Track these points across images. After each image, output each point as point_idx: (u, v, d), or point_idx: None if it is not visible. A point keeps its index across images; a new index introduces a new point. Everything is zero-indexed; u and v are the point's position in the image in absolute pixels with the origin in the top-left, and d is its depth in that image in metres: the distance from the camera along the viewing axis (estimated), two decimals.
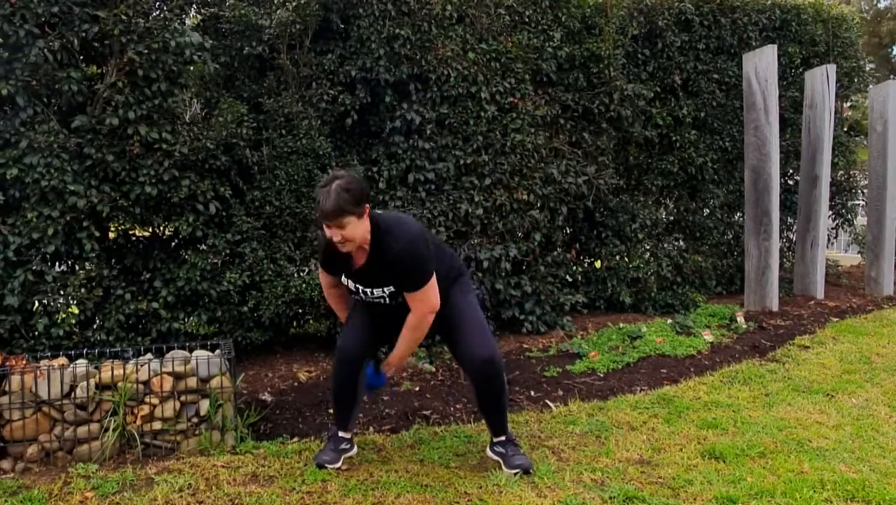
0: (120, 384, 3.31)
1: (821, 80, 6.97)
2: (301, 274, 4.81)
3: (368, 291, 3.04)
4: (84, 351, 3.75)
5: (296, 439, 3.56)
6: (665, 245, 6.91)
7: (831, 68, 7.03)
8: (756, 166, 6.45)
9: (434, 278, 2.98)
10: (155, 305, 4.36)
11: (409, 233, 2.93)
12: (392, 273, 2.95)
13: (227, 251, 4.64)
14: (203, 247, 4.63)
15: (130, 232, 4.64)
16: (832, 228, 8.36)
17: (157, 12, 4.56)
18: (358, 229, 2.87)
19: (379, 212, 3.07)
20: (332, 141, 5.04)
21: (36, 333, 4.08)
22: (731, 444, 3.42)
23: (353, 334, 3.18)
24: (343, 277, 3.11)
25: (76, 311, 4.27)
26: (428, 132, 5.24)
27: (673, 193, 7.04)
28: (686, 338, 5.39)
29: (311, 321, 5.35)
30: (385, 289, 3.01)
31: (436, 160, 5.30)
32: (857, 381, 4.49)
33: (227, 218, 4.68)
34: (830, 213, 7.96)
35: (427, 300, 2.98)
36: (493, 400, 3.14)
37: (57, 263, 4.34)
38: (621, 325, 5.80)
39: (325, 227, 2.87)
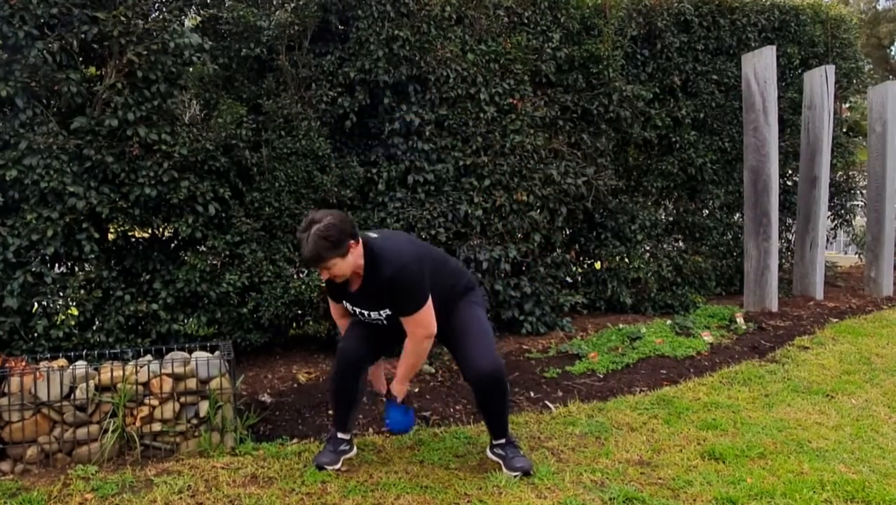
0: (119, 386, 3.31)
1: (819, 81, 6.98)
2: (300, 275, 4.81)
3: (366, 313, 3.08)
4: (83, 352, 3.74)
5: (295, 441, 3.56)
6: (664, 246, 6.91)
7: (830, 69, 7.04)
8: (755, 167, 6.45)
9: (430, 302, 2.97)
10: (154, 306, 4.36)
11: (401, 257, 2.93)
12: (386, 297, 2.97)
13: (227, 252, 4.64)
14: (202, 248, 4.63)
15: (130, 233, 4.64)
16: (831, 229, 8.36)
17: (157, 13, 4.56)
18: (345, 265, 2.91)
19: (373, 235, 3.06)
20: (331, 142, 5.04)
21: (35, 335, 4.08)
22: (731, 444, 3.42)
23: (354, 337, 3.19)
24: (343, 301, 3.15)
25: (75, 312, 4.27)
26: (427, 133, 5.24)
27: (672, 194, 7.04)
28: (686, 339, 5.39)
29: (310, 322, 5.35)
30: (382, 312, 3.04)
31: (435, 161, 5.30)
32: (857, 381, 4.49)
33: (227, 219, 4.68)
34: (829, 213, 7.96)
35: (422, 323, 2.98)
36: (495, 408, 3.14)
37: (56, 265, 4.34)
38: (621, 326, 5.80)
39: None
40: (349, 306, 3.13)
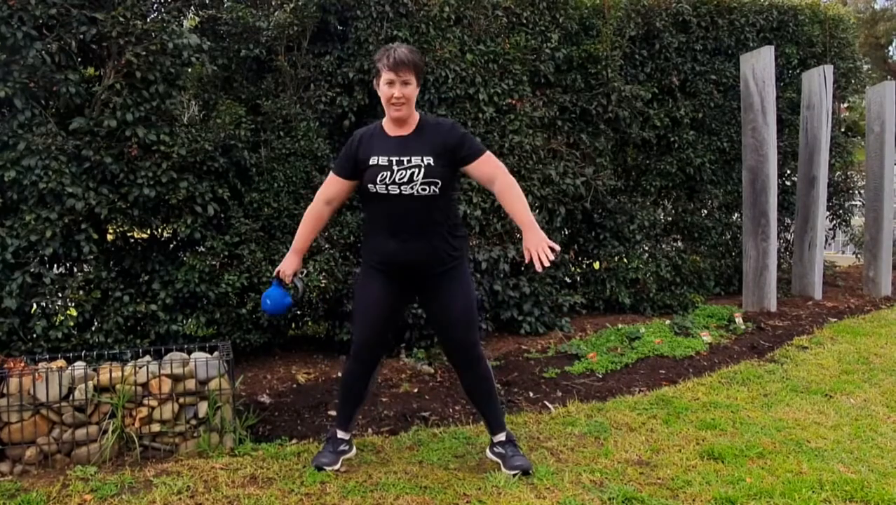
0: (118, 386, 3.31)
1: (818, 81, 6.98)
2: (299, 276, 4.81)
3: (405, 159, 2.93)
4: (82, 353, 3.74)
5: (294, 441, 3.56)
6: (663, 246, 6.92)
7: (828, 69, 7.04)
8: (754, 167, 6.46)
9: None
10: (153, 307, 4.36)
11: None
12: (439, 141, 2.97)
13: (226, 253, 4.64)
14: (201, 249, 4.63)
15: (129, 234, 4.64)
16: (829, 229, 8.37)
17: (155, 14, 4.56)
18: (414, 95, 2.97)
19: None
20: (330, 142, 5.05)
21: (34, 336, 4.07)
22: (730, 444, 3.43)
23: (372, 326, 3.11)
24: (371, 159, 2.97)
25: (74, 313, 4.27)
26: None
27: (671, 194, 7.04)
28: (684, 339, 5.39)
29: (309, 323, 5.35)
30: (424, 158, 2.93)
31: None
32: (856, 381, 4.49)
33: (226, 220, 4.68)
34: (828, 213, 7.97)
35: (496, 160, 3.03)
36: (482, 385, 3.18)
37: (55, 266, 4.34)
38: (620, 326, 5.81)
39: (386, 82, 2.92)
40: (383, 160, 2.95)
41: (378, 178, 2.95)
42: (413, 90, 2.97)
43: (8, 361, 3.42)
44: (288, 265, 3.23)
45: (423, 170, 2.93)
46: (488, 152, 3.04)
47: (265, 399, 4.18)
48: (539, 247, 2.82)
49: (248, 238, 4.66)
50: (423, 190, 2.94)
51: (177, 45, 4.27)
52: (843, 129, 8.40)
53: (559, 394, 4.29)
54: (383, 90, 2.97)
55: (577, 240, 6.46)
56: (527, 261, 2.87)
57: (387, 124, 3.07)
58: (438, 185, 2.95)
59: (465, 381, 3.22)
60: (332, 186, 3.15)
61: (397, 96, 2.94)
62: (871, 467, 3.20)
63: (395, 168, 2.94)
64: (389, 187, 2.95)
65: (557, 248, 2.85)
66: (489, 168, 3.01)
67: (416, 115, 3.07)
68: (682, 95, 6.88)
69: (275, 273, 3.26)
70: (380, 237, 3.06)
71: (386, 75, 2.93)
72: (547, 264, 2.78)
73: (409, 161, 2.95)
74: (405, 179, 2.93)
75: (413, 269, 3.06)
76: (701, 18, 6.95)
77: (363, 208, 3.19)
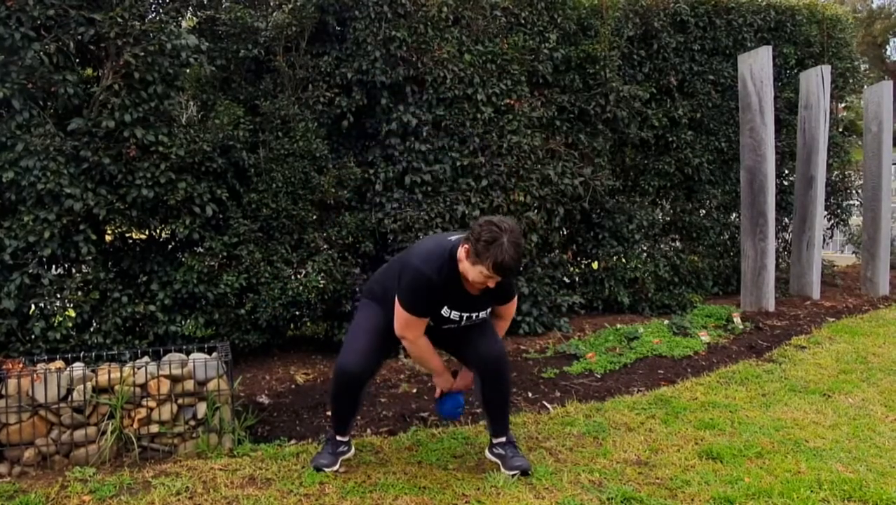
0: (117, 387, 3.30)
1: (816, 81, 6.99)
2: (298, 276, 4.81)
3: (474, 315, 3.08)
4: (81, 354, 3.74)
5: (293, 442, 3.56)
6: (662, 246, 6.92)
7: (826, 69, 7.05)
8: (752, 167, 6.46)
9: None
10: (152, 307, 4.36)
11: None
12: (496, 295, 3.07)
13: (224, 254, 4.64)
14: (200, 249, 4.63)
15: (127, 235, 4.64)
16: (827, 229, 8.38)
17: (153, 15, 4.56)
18: None
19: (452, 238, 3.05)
20: (328, 143, 5.05)
21: (33, 337, 4.07)
22: (729, 444, 3.43)
23: (360, 352, 3.09)
24: (444, 309, 3.01)
25: (73, 314, 4.27)
26: (424, 134, 5.24)
27: (669, 194, 7.05)
28: (683, 338, 5.39)
29: (308, 324, 5.35)
30: (483, 312, 3.10)
31: (432, 162, 5.30)
32: (854, 381, 4.50)
33: (224, 220, 4.68)
34: (826, 213, 7.98)
35: (513, 307, 3.28)
36: (501, 394, 3.16)
37: (53, 267, 4.33)
38: (618, 326, 5.81)
39: (480, 273, 2.80)
40: (454, 314, 3.02)
41: (443, 326, 3.10)
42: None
43: (6, 362, 3.42)
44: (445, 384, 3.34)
45: (479, 317, 3.11)
46: (514, 299, 3.25)
47: (264, 400, 4.18)
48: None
49: (247, 239, 4.66)
50: (472, 321, 3.12)
51: (175, 45, 4.27)
52: (840, 129, 8.41)
53: (558, 394, 4.29)
54: (475, 274, 2.83)
55: (575, 240, 6.46)
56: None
57: (465, 280, 2.95)
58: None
59: (487, 389, 3.15)
60: (420, 325, 3.06)
61: (490, 285, 2.90)
62: (869, 467, 3.20)
63: (464, 322, 3.09)
64: (458, 322, 3.09)
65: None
66: (508, 310, 3.28)
67: None
68: (680, 95, 6.89)
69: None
70: None
71: (485, 270, 2.80)
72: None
73: (476, 316, 3.09)
74: (463, 322, 3.09)
75: None
76: (699, 18, 6.96)
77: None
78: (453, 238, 2.98)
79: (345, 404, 3.17)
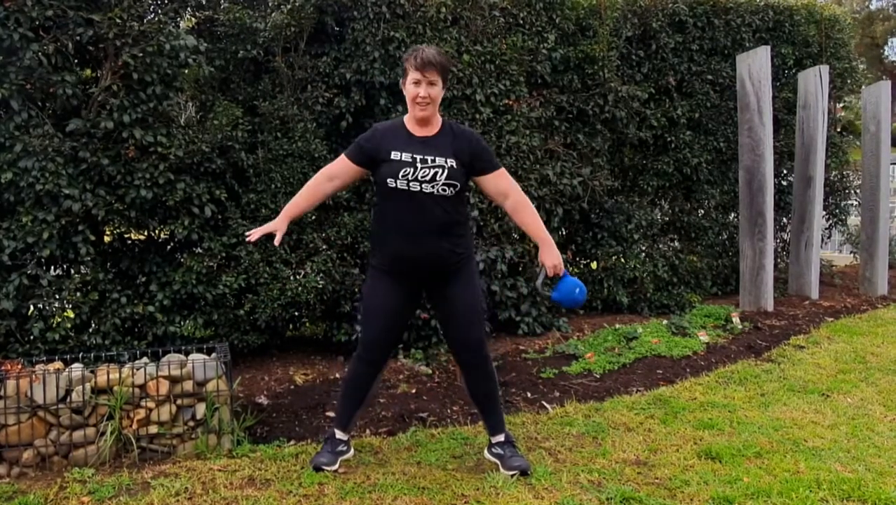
0: (116, 388, 3.30)
1: (814, 81, 7.00)
2: (297, 277, 4.81)
3: (429, 158, 2.98)
4: (80, 355, 3.73)
5: (292, 442, 3.55)
6: (661, 246, 6.93)
7: (824, 69, 7.06)
8: (750, 167, 6.47)
9: None
10: (151, 308, 4.36)
11: None
12: (463, 147, 3.03)
13: (223, 254, 4.64)
14: (199, 250, 4.63)
15: (126, 235, 4.63)
16: (826, 228, 8.39)
17: (152, 15, 4.56)
18: (439, 96, 3.03)
19: None
20: (327, 143, 5.04)
21: (31, 338, 4.07)
22: (728, 444, 3.43)
23: (377, 330, 3.12)
24: (393, 153, 2.99)
25: (71, 315, 4.26)
26: None
27: (668, 194, 7.06)
28: (682, 338, 5.40)
29: (307, 324, 5.35)
30: (448, 160, 2.99)
31: None
32: (853, 380, 4.51)
33: (223, 221, 4.68)
34: (824, 213, 7.99)
35: (510, 177, 3.14)
36: (487, 387, 3.18)
37: (52, 267, 4.33)
38: (617, 326, 5.81)
39: (412, 82, 2.97)
40: (406, 156, 2.98)
41: (400, 174, 2.98)
42: (439, 91, 3.03)
43: (5, 363, 3.42)
44: (275, 225, 3.16)
45: (446, 171, 2.99)
46: (504, 169, 3.15)
47: (263, 400, 4.17)
48: (554, 263, 3.12)
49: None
50: (444, 190, 3.00)
51: (174, 46, 4.27)
52: (839, 129, 8.42)
53: (557, 394, 4.29)
54: (409, 89, 3.02)
55: (574, 240, 6.46)
56: (548, 271, 3.12)
57: (409, 123, 3.10)
58: (457, 188, 3.03)
59: (469, 380, 3.22)
60: (339, 166, 3.14)
61: (423, 96, 2.99)
62: (868, 466, 3.20)
63: (419, 165, 2.98)
64: (411, 184, 2.98)
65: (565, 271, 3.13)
66: (505, 182, 3.13)
67: (440, 118, 3.12)
68: (678, 96, 6.90)
69: (253, 234, 3.12)
70: (392, 235, 3.09)
71: (412, 75, 2.99)
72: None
73: (433, 160, 3.00)
74: (427, 178, 2.98)
75: (422, 268, 3.08)
76: (697, 19, 6.97)
77: (377, 205, 3.20)
78: None
79: (358, 391, 3.22)
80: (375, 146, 3.07)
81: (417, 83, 2.98)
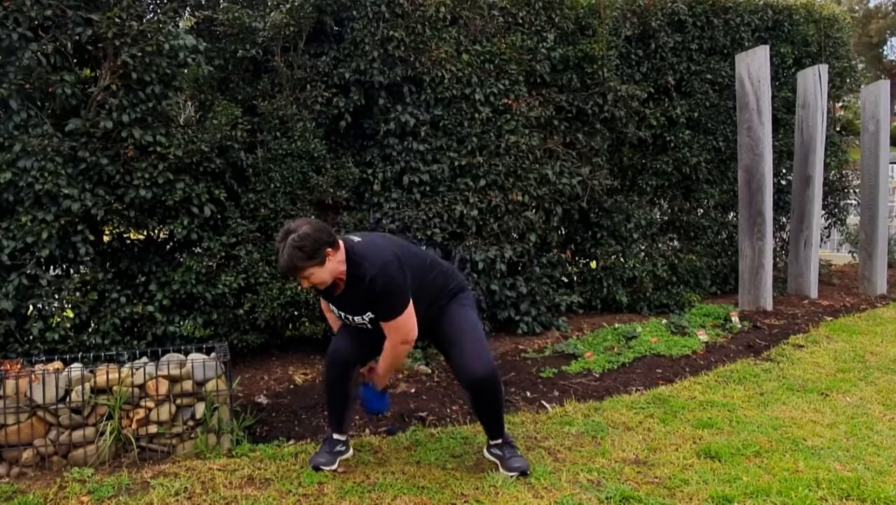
0: (115, 388, 3.30)
1: (813, 81, 7.00)
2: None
3: (350, 317, 3.10)
4: (79, 355, 3.73)
5: (292, 442, 3.56)
6: (660, 245, 6.93)
7: (823, 68, 7.06)
8: (749, 166, 6.47)
9: (410, 308, 2.95)
10: (150, 308, 4.35)
11: (383, 257, 2.92)
12: (368, 301, 2.97)
13: (223, 254, 4.64)
14: (198, 250, 4.63)
15: (125, 235, 4.63)
16: (825, 228, 8.39)
17: (151, 15, 4.56)
18: (324, 273, 2.91)
19: (356, 238, 3.05)
20: (326, 143, 5.04)
21: (31, 337, 4.07)
22: (727, 443, 3.44)
23: (342, 339, 3.23)
24: (330, 303, 3.16)
25: (71, 314, 4.26)
26: (422, 134, 5.24)
27: (667, 193, 7.06)
28: (681, 338, 5.40)
29: (306, 324, 5.35)
30: (364, 316, 3.04)
31: (430, 162, 5.30)
32: (852, 379, 4.51)
33: (222, 220, 4.67)
34: (823, 212, 7.99)
35: (400, 329, 2.97)
36: (489, 409, 3.15)
37: (51, 267, 4.33)
38: (616, 325, 5.82)
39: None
40: (335, 310, 3.15)
41: (339, 316, 3.17)
42: (319, 274, 2.90)
43: (4, 363, 3.42)
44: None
45: (368, 321, 3.05)
46: (395, 322, 2.96)
47: (262, 400, 4.18)
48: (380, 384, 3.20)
49: (245, 239, 4.66)
50: (378, 324, 3.04)
51: (173, 46, 4.27)
52: (838, 128, 8.43)
53: (556, 393, 4.29)
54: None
55: (573, 239, 6.46)
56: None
57: None
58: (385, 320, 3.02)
59: (475, 403, 3.15)
60: (327, 305, 3.32)
61: (307, 287, 3.08)
62: (867, 465, 3.21)
63: (346, 320, 3.14)
64: (349, 322, 3.15)
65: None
66: (387, 331, 3.02)
67: (343, 268, 2.97)
68: (677, 95, 6.90)
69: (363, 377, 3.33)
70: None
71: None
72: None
73: (352, 319, 3.09)
74: (358, 324, 3.10)
75: None
76: (696, 18, 6.97)
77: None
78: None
79: (333, 394, 3.25)
80: (323, 294, 3.19)
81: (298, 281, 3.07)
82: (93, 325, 4.31)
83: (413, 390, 4.36)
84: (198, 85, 4.95)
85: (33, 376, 3.25)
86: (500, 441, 3.20)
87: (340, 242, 2.96)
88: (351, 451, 3.32)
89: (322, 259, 2.87)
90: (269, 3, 5.25)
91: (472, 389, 3.06)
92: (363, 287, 2.92)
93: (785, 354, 5.11)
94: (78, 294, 4.21)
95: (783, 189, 7.72)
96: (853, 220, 8.99)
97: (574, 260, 6.56)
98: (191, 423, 3.40)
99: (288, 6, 4.93)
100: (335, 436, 3.25)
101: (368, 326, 3.07)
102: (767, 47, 6.50)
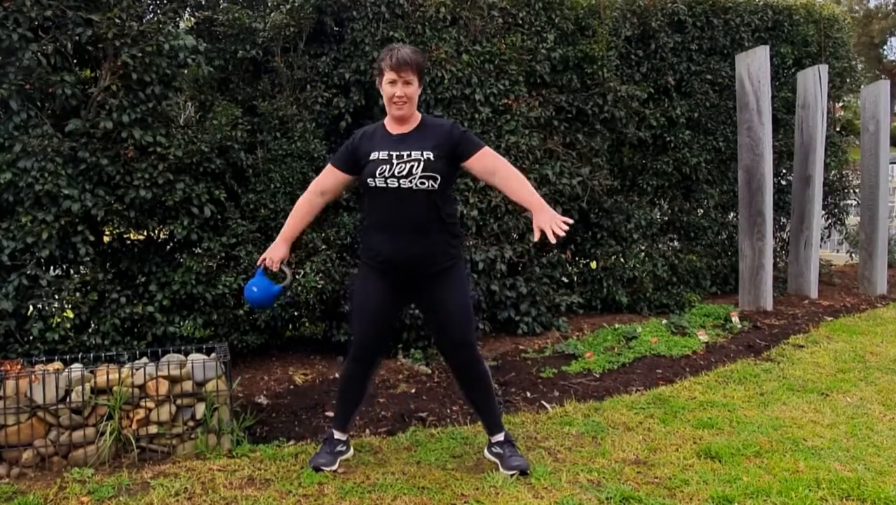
0: (115, 388, 3.30)
1: (813, 81, 7.00)
2: (296, 276, 4.81)
3: (404, 153, 2.97)
4: (79, 355, 3.73)
5: (292, 442, 3.56)
6: (660, 245, 6.93)
7: (823, 68, 7.06)
8: (749, 167, 6.47)
9: None
10: (150, 308, 4.35)
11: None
12: (442, 136, 3.01)
13: (223, 254, 4.64)
14: (198, 250, 4.63)
15: (125, 236, 4.63)
16: (825, 228, 8.39)
17: (151, 15, 4.56)
18: (416, 95, 3.02)
19: None
20: (326, 143, 5.04)
21: (31, 338, 4.07)
22: (727, 443, 3.44)
23: (370, 335, 3.15)
24: (372, 154, 3.01)
25: (71, 315, 4.26)
26: None
27: (667, 194, 7.06)
28: (681, 338, 5.40)
29: (306, 324, 5.35)
30: (424, 153, 2.96)
31: None
32: (852, 379, 4.51)
33: (222, 221, 4.68)
34: (823, 212, 7.99)
35: (496, 153, 3.07)
36: (480, 386, 3.19)
37: (51, 268, 4.33)
38: (616, 325, 5.82)
39: (388, 82, 2.97)
40: (383, 154, 2.99)
41: (377, 172, 2.99)
42: (415, 90, 3.02)
43: (5, 364, 3.42)
44: (275, 252, 3.25)
45: (422, 164, 2.96)
46: (487, 147, 3.07)
47: (262, 400, 4.18)
48: (552, 222, 2.81)
49: (245, 239, 4.66)
50: (422, 184, 2.96)
51: (173, 46, 4.27)
52: (838, 129, 8.42)
53: (556, 393, 4.29)
54: (385, 89, 3.02)
55: (573, 239, 6.46)
56: (536, 238, 2.87)
57: (388, 122, 3.12)
58: (437, 181, 2.98)
59: (461, 382, 3.24)
60: (328, 178, 3.21)
61: (399, 95, 2.99)
62: (867, 466, 3.21)
63: (395, 162, 2.98)
64: (388, 181, 2.98)
65: (570, 220, 2.84)
66: (489, 160, 3.05)
67: (418, 115, 3.12)
68: (677, 95, 6.90)
69: (259, 261, 3.27)
70: (378, 234, 3.10)
71: (388, 75, 2.98)
72: (561, 234, 2.77)
73: (408, 155, 2.98)
74: (404, 173, 2.96)
75: (410, 267, 3.07)
76: (696, 18, 6.97)
77: (363, 206, 3.21)
78: None
79: (353, 391, 3.25)
80: (357, 150, 3.10)
81: (393, 83, 2.98)
82: (93, 325, 4.31)
83: (413, 391, 4.36)
84: (198, 85, 4.95)
85: (33, 377, 3.25)
86: (500, 438, 3.20)
87: None
88: (351, 451, 3.32)
89: (422, 80, 3.07)
90: (270, 4, 5.25)
91: (455, 353, 3.14)
92: (443, 130, 3.03)
93: (785, 354, 5.11)
94: (78, 294, 4.21)
95: (783, 189, 7.72)
96: (853, 220, 8.99)
97: (574, 260, 6.56)
98: (191, 423, 3.40)
99: (288, 7, 4.94)
100: (336, 435, 3.25)
101: (417, 171, 2.93)
102: (767, 47, 6.50)
